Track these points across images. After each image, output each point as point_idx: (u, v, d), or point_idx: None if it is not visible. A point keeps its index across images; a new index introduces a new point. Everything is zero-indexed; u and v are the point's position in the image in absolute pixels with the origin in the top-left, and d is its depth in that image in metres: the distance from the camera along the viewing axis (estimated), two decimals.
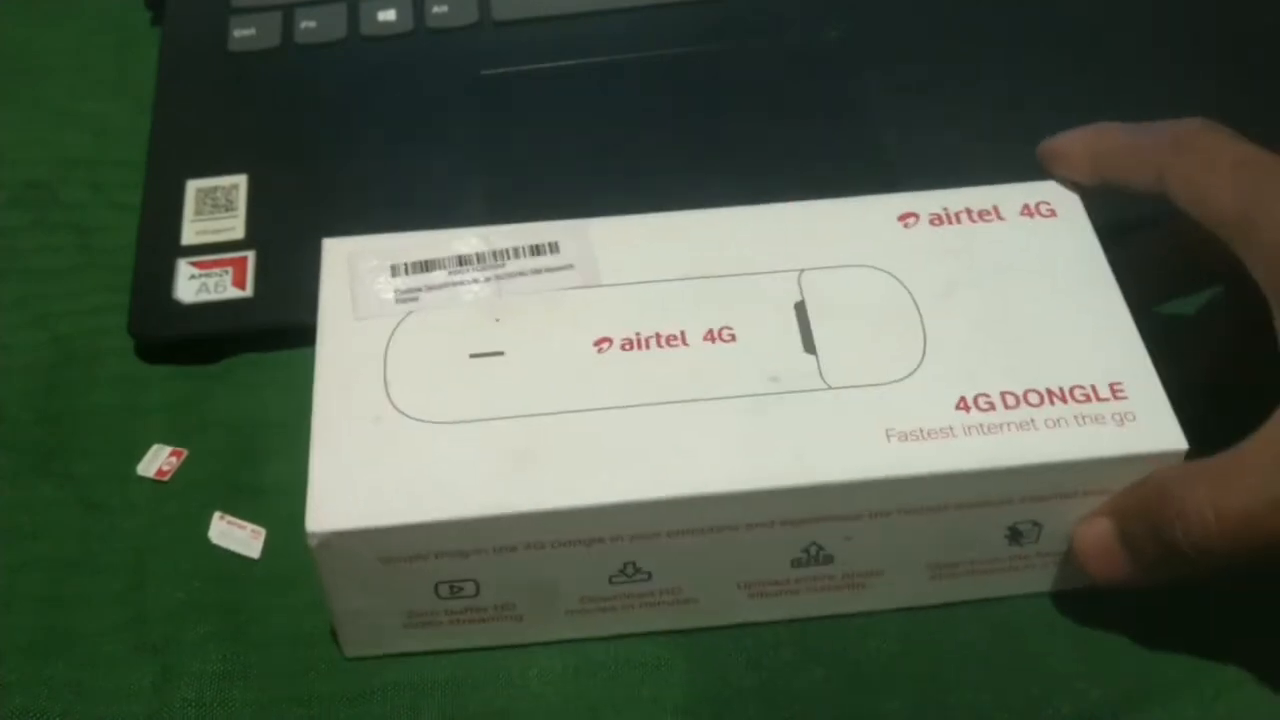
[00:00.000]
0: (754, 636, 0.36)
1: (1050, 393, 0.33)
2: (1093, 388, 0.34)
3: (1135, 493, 0.33)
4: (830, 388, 0.34)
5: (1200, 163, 0.34)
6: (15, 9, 0.54)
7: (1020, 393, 0.33)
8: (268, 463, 0.40)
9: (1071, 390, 0.33)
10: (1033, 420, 0.33)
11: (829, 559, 0.34)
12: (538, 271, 0.36)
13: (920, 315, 0.35)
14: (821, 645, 0.36)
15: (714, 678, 0.35)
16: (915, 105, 0.47)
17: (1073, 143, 0.37)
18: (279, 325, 0.42)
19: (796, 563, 0.34)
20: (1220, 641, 0.35)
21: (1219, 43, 0.49)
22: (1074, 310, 0.35)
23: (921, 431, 0.33)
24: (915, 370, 0.34)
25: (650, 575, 0.34)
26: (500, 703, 0.35)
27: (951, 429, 0.33)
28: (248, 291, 0.43)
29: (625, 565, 0.34)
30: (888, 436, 0.33)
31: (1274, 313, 0.32)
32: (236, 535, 0.38)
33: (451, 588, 0.33)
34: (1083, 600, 0.36)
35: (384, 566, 0.33)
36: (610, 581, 0.34)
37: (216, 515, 0.38)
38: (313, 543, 0.32)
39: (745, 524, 0.33)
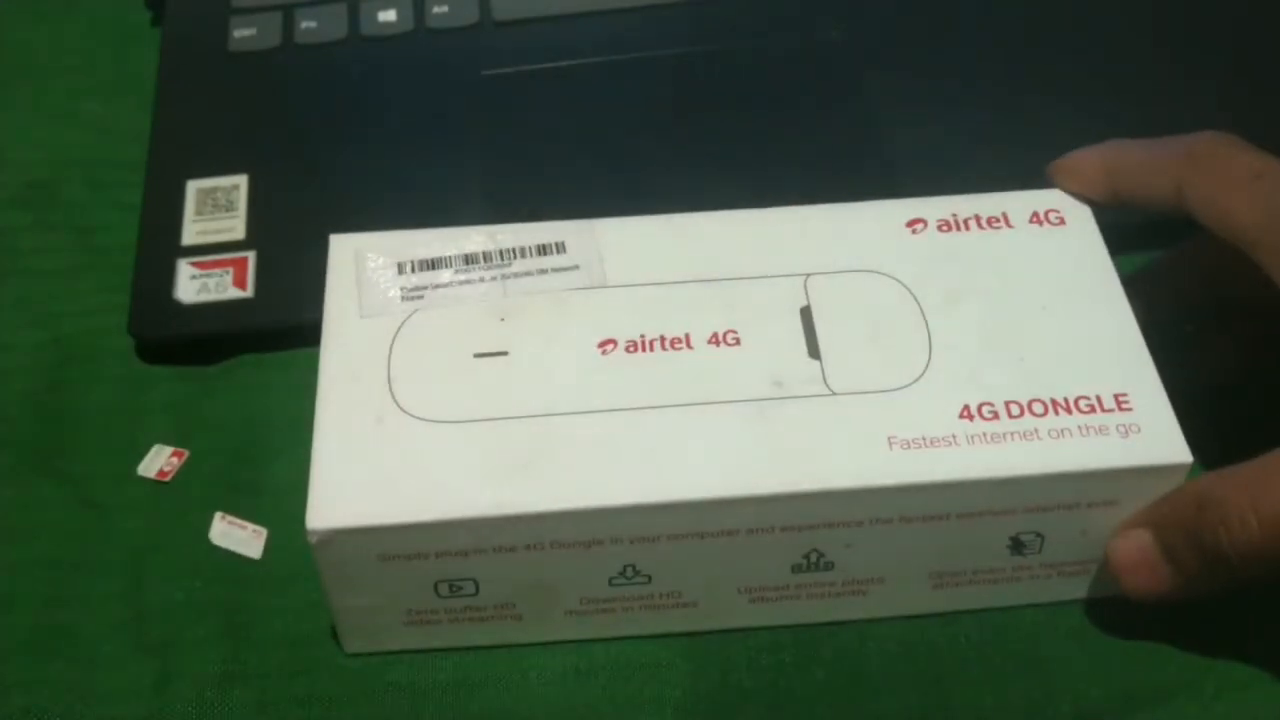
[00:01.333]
0: (755, 638, 0.36)
1: (1055, 403, 0.33)
2: (1098, 398, 0.33)
3: (1172, 502, 0.33)
4: (834, 394, 0.34)
5: (1217, 175, 0.34)
6: (15, 9, 0.54)
7: (1025, 402, 0.33)
8: (269, 463, 0.40)
9: (1076, 401, 0.33)
10: (1036, 430, 0.33)
11: (830, 566, 0.34)
12: (544, 271, 0.36)
13: (926, 322, 0.35)
14: (822, 646, 0.36)
15: (715, 679, 0.35)
16: (916, 106, 0.47)
17: (1086, 159, 0.37)
18: (279, 325, 0.42)
19: (797, 569, 0.34)
20: (1220, 641, 0.35)
21: (1221, 42, 0.49)
22: (1081, 320, 0.35)
23: (924, 439, 0.33)
24: (920, 378, 0.34)
25: (650, 578, 0.34)
26: (501, 703, 0.35)
27: (955, 438, 0.33)
28: (248, 292, 0.43)
29: (625, 568, 0.34)
30: (890, 444, 0.33)
31: None
32: (238, 535, 0.38)
33: (451, 586, 0.34)
34: (1083, 601, 0.36)
35: (383, 564, 0.33)
36: (610, 583, 0.34)
37: (218, 515, 0.38)
38: (313, 540, 0.32)
39: (745, 529, 0.33)
